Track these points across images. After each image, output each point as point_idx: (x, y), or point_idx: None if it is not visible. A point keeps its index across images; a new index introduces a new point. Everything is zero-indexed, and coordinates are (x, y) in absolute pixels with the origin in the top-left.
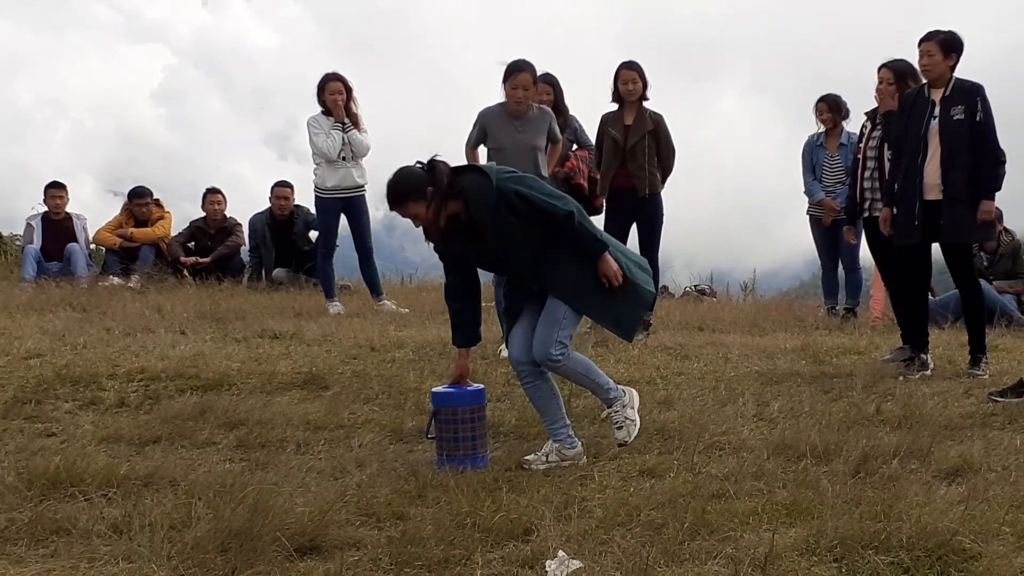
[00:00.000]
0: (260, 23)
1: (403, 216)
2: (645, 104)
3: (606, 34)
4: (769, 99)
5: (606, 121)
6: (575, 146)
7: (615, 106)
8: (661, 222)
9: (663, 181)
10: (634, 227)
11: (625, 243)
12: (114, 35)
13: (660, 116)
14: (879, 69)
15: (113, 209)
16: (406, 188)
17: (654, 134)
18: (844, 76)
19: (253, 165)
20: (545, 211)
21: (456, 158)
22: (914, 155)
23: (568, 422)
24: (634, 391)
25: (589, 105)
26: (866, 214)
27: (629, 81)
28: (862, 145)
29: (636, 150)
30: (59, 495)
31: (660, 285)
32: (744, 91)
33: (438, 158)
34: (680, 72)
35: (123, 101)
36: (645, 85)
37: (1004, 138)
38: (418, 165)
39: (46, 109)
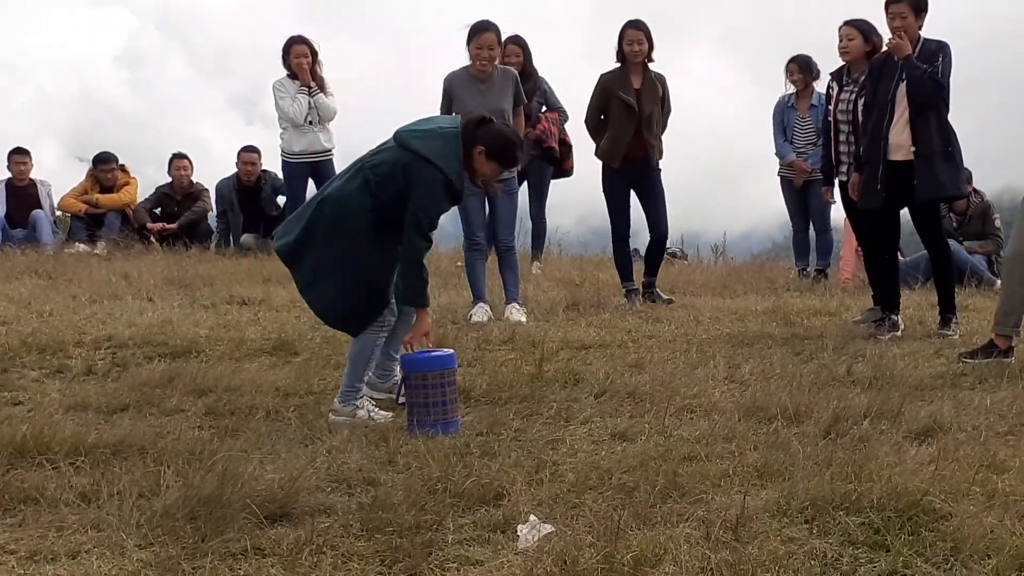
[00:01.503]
0: None
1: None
2: (650, 66)
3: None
4: (738, 59)
5: (610, 82)
6: (544, 108)
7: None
8: (663, 191)
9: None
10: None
11: (628, 216)
12: None
13: (664, 78)
14: (840, 27)
15: (78, 175)
16: None
17: (662, 99)
18: (813, 36)
19: (218, 130)
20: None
21: (415, 116)
22: (880, 119)
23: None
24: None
25: (558, 66)
26: (843, 177)
27: (635, 41)
28: (831, 107)
29: (651, 118)
30: (26, 464)
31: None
32: (712, 51)
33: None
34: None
35: (85, 65)
36: (651, 46)
37: (974, 99)
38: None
39: (5, 73)
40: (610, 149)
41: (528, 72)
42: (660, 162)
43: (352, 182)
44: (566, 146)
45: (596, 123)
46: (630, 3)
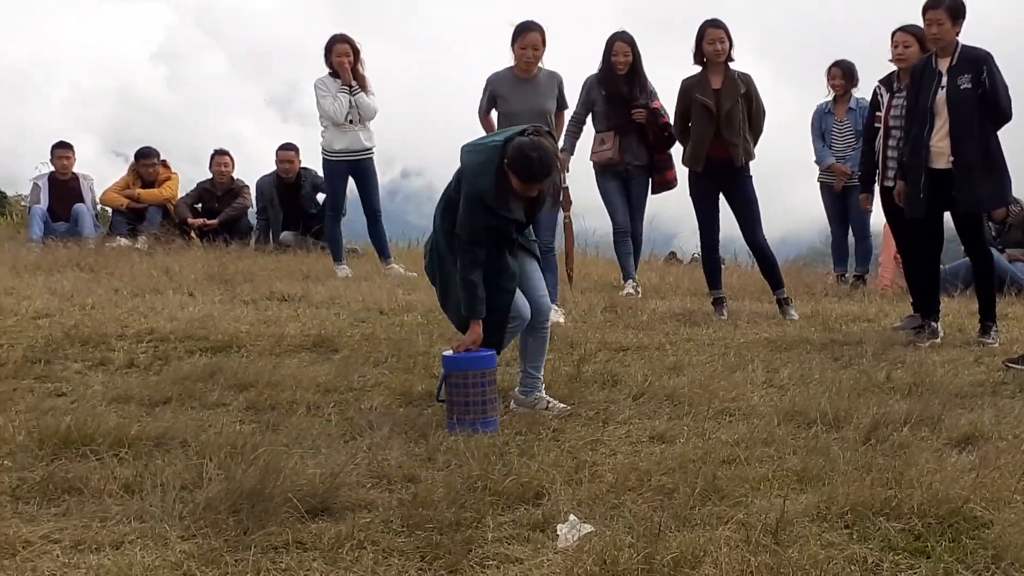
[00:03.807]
0: None
1: (536, 187)
2: (731, 65)
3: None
4: (775, 65)
5: (690, 86)
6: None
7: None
8: (756, 198)
9: (755, 146)
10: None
11: (716, 221)
12: None
13: (749, 76)
14: (894, 34)
15: (116, 169)
16: None
17: (746, 97)
18: (848, 41)
19: (255, 127)
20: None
21: (454, 118)
22: (921, 127)
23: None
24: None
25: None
26: (889, 183)
27: (716, 40)
28: (882, 114)
29: (731, 116)
30: (70, 454)
31: (669, 252)
32: (749, 56)
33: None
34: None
35: (123, 61)
36: (731, 44)
37: (1017, 106)
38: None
39: (45, 70)
40: (692, 153)
41: (636, 70)
42: (751, 165)
43: (441, 202)
44: (667, 156)
45: (682, 129)
46: (666, 6)
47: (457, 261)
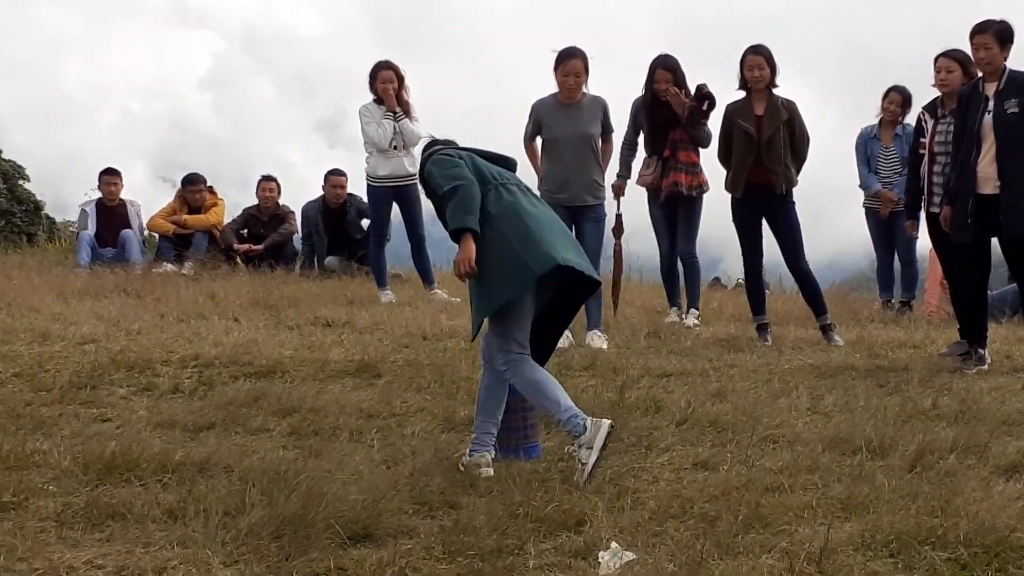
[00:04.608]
0: (306, 10)
1: None
2: (775, 91)
3: (651, 24)
4: (817, 88)
5: (733, 111)
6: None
7: (741, 94)
8: (799, 224)
9: (798, 174)
10: (766, 229)
11: (759, 247)
12: (161, 21)
13: (793, 103)
14: (937, 59)
15: (163, 195)
16: None
17: (788, 124)
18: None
19: (302, 153)
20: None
21: (501, 144)
22: (968, 152)
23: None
24: (604, 423)
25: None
26: (936, 209)
27: (755, 67)
28: (926, 140)
29: (772, 143)
30: (114, 480)
31: (713, 276)
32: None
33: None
34: (725, 59)
35: (171, 87)
36: (774, 71)
37: None
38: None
39: (94, 95)
40: (732, 179)
41: (680, 84)
42: (793, 192)
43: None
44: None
45: (725, 154)
46: (706, 29)
47: (453, 211)
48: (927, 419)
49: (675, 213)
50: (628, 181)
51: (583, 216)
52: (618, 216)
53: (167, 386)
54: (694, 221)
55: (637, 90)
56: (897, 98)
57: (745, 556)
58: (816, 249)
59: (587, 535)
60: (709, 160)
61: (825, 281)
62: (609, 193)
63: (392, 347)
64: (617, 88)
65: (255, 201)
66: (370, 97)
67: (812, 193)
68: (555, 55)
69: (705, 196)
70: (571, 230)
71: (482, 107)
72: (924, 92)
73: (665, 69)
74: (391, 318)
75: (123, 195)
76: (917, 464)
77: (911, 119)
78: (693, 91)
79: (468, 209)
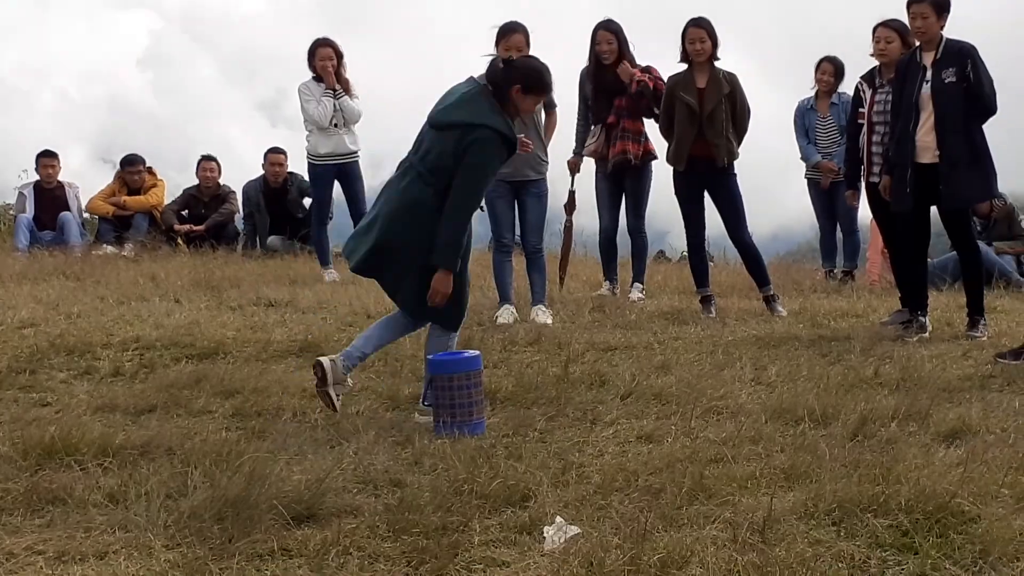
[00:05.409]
0: None
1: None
2: (716, 64)
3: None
4: (760, 61)
5: (675, 84)
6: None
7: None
8: (740, 196)
9: (739, 146)
10: (709, 202)
11: (702, 220)
12: (99, 2)
13: (734, 76)
14: (875, 29)
15: (103, 177)
16: None
17: (730, 96)
18: (825, 36)
19: (243, 133)
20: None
21: None
22: (906, 122)
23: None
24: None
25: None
26: (875, 179)
27: (696, 40)
28: (864, 110)
29: (714, 116)
30: (55, 465)
31: (658, 250)
32: (733, 52)
33: None
34: (665, 34)
35: (109, 68)
36: (715, 44)
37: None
38: None
39: (30, 78)
40: (675, 151)
41: (624, 60)
42: (735, 164)
43: (408, 183)
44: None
45: (667, 127)
46: (648, 2)
47: (462, 203)
48: (869, 387)
49: (621, 185)
50: (583, 157)
51: (525, 191)
52: (571, 192)
53: (108, 369)
54: (643, 193)
55: (582, 63)
56: (829, 68)
57: (689, 527)
58: (762, 220)
59: (532, 510)
60: (652, 131)
61: (771, 252)
62: (563, 168)
63: (336, 326)
64: (560, 63)
65: (196, 182)
66: (310, 75)
67: (757, 166)
68: (496, 30)
69: (653, 165)
70: (514, 205)
71: (425, 83)
72: (863, 62)
73: (607, 31)
74: (334, 297)
75: (61, 177)
76: (859, 432)
77: (846, 88)
78: (640, 74)
79: (460, 251)
